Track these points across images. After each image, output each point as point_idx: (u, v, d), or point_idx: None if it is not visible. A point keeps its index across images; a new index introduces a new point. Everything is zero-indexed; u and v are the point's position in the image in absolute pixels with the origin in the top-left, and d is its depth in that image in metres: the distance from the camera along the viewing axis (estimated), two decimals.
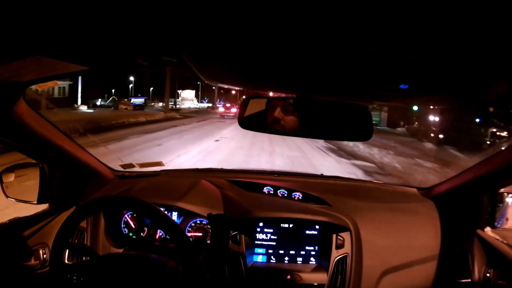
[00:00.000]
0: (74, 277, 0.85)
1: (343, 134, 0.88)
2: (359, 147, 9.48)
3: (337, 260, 1.11)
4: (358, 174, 5.83)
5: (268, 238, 1.19)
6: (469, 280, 1.01)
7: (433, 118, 15.63)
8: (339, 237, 1.14)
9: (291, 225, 1.20)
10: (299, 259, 1.18)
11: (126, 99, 29.20)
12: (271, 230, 1.19)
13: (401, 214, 1.23)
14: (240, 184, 1.36)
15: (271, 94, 1.18)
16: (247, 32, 0.49)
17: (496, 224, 1.10)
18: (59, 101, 19.85)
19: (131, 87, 37.62)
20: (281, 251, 1.18)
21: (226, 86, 0.99)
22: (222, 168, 1.61)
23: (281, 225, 1.19)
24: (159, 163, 1.80)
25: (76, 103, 22.71)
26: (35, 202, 1.11)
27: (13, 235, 0.99)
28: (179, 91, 41.84)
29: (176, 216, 1.24)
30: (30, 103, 0.85)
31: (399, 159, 8.41)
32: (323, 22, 0.43)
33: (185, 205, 1.21)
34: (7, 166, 1.09)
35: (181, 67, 0.79)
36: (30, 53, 0.61)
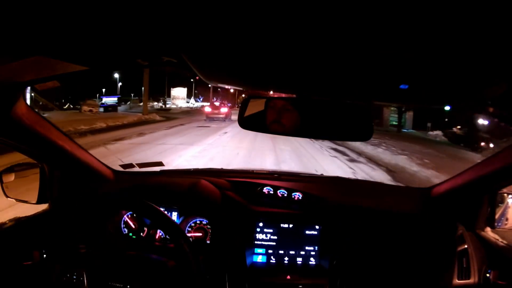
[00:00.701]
0: (74, 277, 0.85)
1: (343, 134, 0.88)
2: (410, 167, 6.86)
3: (337, 260, 1.11)
4: None
5: (268, 238, 1.19)
6: (469, 280, 1.01)
7: (482, 121, 11.89)
8: (339, 237, 1.14)
9: (291, 225, 1.20)
10: (299, 259, 1.18)
11: (92, 100, 23.34)
12: (271, 230, 1.19)
13: (401, 214, 1.23)
14: (240, 184, 1.36)
15: (271, 93, 1.18)
16: (247, 32, 0.49)
17: (496, 224, 1.10)
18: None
19: (120, 85, 35.51)
20: (281, 251, 1.18)
21: (226, 86, 0.99)
22: (222, 168, 1.61)
23: (281, 225, 1.19)
24: (159, 163, 1.80)
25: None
26: (35, 202, 1.11)
27: (13, 235, 0.99)
28: (171, 89, 38.90)
29: (176, 216, 1.24)
30: None
31: None
32: (323, 22, 0.43)
33: (185, 205, 1.21)
34: (7, 166, 1.09)
35: (181, 67, 0.79)
36: (30, 53, 0.61)
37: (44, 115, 1.04)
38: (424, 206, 1.25)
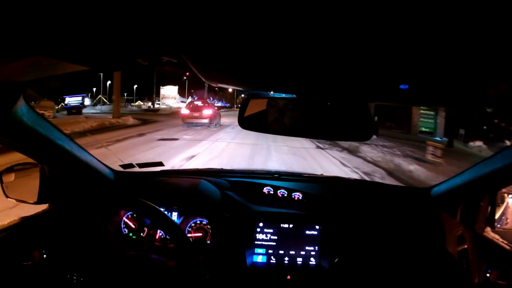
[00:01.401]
0: (74, 277, 0.85)
1: (343, 134, 0.88)
2: None
3: (338, 260, 1.11)
4: None
5: (268, 238, 1.19)
6: (469, 280, 1.01)
7: None
8: (339, 237, 1.14)
9: (291, 225, 1.20)
10: (299, 259, 1.18)
11: (48, 100, 16.98)
12: (271, 230, 1.19)
13: (401, 214, 1.23)
14: (240, 184, 1.36)
15: (271, 93, 1.18)
16: (247, 32, 0.49)
17: (496, 224, 1.10)
18: None
19: (108, 84, 32.65)
20: (281, 251, 1.18)
21: (226, 86, 0.99)
22: (222, 169, 1.61)
23: (281, 225, 1.19)
24: (159, 163, 1.80)
25: None
26: (35, 202, 1.11)
27: (13, 235, 0.99)
28: (160, 88, 35.38)
29: (176, 216, 1.24)
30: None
31: None
32: (323, 22, 0.43)
33: (185, 205, 1.21)
34: (7, 166, 1.09)
35: (181, 67, 0.78)
36: (30, 53, 0.61)
37: None
38: (424, 206, 1.25)
